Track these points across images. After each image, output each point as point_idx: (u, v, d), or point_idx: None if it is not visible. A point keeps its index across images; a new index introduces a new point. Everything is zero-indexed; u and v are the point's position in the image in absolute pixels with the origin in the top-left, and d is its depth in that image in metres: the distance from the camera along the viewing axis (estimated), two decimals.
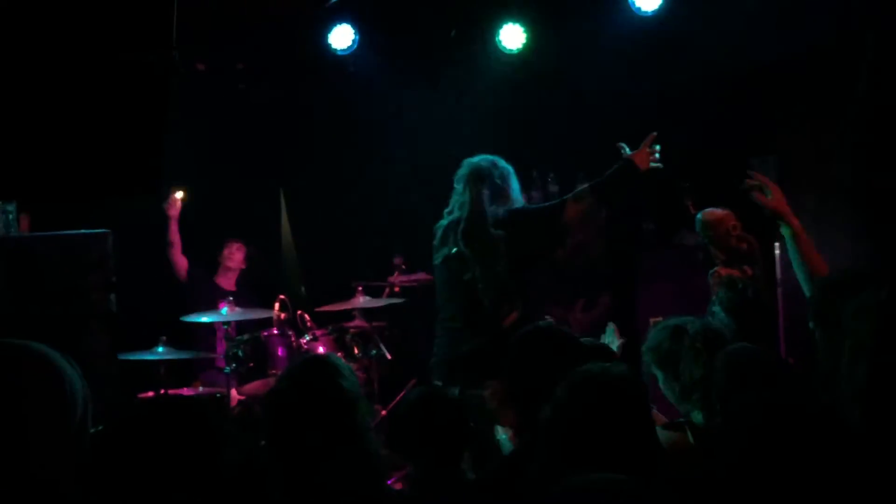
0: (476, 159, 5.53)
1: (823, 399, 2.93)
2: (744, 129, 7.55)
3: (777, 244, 7.19)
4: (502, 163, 5.54)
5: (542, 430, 2.72)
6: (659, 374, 3.68)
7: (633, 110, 7.99)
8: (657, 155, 5.39)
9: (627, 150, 5.43)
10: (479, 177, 5.44)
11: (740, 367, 3.06)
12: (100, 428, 2.32)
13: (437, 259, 5.54)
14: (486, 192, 5.42)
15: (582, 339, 3.63)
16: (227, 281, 7.72)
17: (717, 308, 5.47)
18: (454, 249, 5.42)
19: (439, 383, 5.23)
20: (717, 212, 5.88)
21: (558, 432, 2.66)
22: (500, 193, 5.44)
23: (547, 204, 5.66)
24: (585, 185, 5.44)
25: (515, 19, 7.57)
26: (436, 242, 5.57)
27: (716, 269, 5.72)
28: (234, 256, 7.73)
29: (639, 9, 7.11)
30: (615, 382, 2.69)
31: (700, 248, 5.91)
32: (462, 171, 5.53)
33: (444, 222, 5.55)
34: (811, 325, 3.43)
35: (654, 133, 5.41)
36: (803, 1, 6.40)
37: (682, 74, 7.56)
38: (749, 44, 6.92)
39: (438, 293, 5.60)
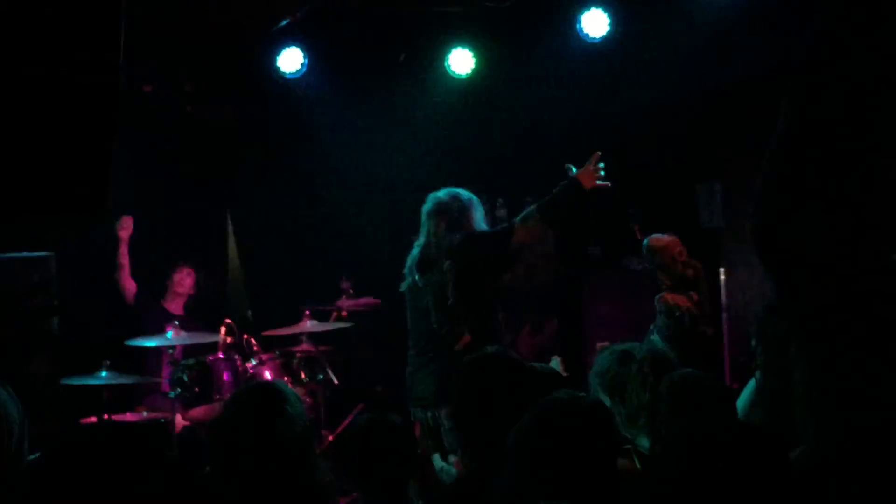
0: (440, 193, 5.70)
1: (765, 419, 2.95)
2: (689, 155, 7.64)
3: (722, 270, 7.28)
4: (465, 195, 5.69)
5: (508, 456, 2.70)
6: (605, 399, 3.69)
7: (580, 135, 8.04)
8: (602, 173, 5.49)
9: (574, 170, 5.49)
10: (438, 210, 5.62)
11: (683, 393, 3.07)
12: (37, 455, 2.28)
13: (403, 287, 5.77)
14: (443, 225, 5.59)
15: (533, 365, 3.63)
16: (174, 305, 7.63)
17: (654, 337, 5.52)
18: (412, 279, 5.66)
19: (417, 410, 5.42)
20: (664, 238, 5.94)
21: (525, 459, 2.65)
22: (460, 225, 5.59)
23: (497, 228, 5.76)
24: (532, 207, 5.55)
25: (464, 44, 7.61)
26: (405, 272, 5.77)
27: (662, 294, 5.77)
28: (184, 282, 7.64)
29: (587, 35, 7.18)
30: (585, 411, 2.69)
31: (646, 273, 5.96)
32: (425, 205, 5.72)
33: (412, 252, 5.76)
34: (753, 342, 3.47)
35: (599, 152, 5.52)
36: (746, 29, 6.48)
37: (628, 100, 7.65)
38: (694, 70, 7.01)
39: (407, 320, 5.83)
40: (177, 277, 7.61)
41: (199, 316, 7.58)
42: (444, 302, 5.50)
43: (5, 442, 2.02)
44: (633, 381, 3.46)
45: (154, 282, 7.62)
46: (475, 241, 5.57)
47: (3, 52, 2.76)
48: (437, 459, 3.97)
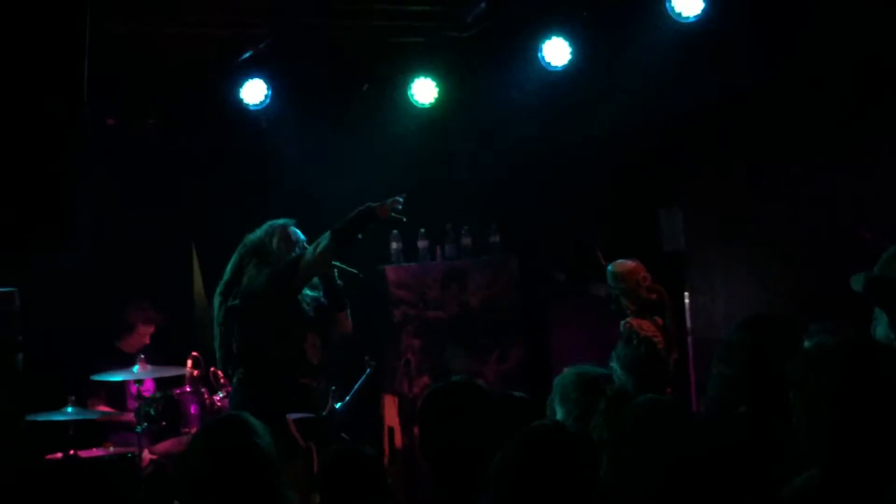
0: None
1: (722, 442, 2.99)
2: (650, 180, 7.72)
3: (686, 294, 7.34)
4: (267, 227, 5.93)
5: (488, 484, 2.70)
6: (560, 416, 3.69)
7: (543, 163, 8.13)
8: (399, 207, 5.71)
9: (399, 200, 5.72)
10: (240, 247, 5.90)
11: (646, 420, 3.08)
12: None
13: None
14: (239, 261, 5.84)
15: (503, 392, 3.65)
16: (130, 343, 7.47)
17: (614, 364, 5.56)
18: None
19: None
20: (628, 263, 5.98)
21: (505, 488, 2.65)
22: (259, 259, 5.82)
23: (285, 261, 5.76)
24: (327, 234, 5.66)
25: (427, 74, 7.66)
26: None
27: (627, 319, 5.81)
28: (146, 318, 7.51)
29: (548, 64, 7.24)
30: (570, 442, 2.70)
31: (611, 298, 6.00)
32: None
33: None
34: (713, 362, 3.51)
35: (404, 195, 5.77)
36: (707, 56, 6.58)
37: (590, 127, 7.73)
38: (654, 97, 7.10)
39: None
40: (134, 315, 7.47)
41: (160, 349, 7.49)
42: (219, 339, 5.77)
43: None
44: (598, 418, 3.45)
45: (115, 316, 7.52)
46: (251, 280, 5.71)
47: None
48: None
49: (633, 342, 5.55)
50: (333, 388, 6.01)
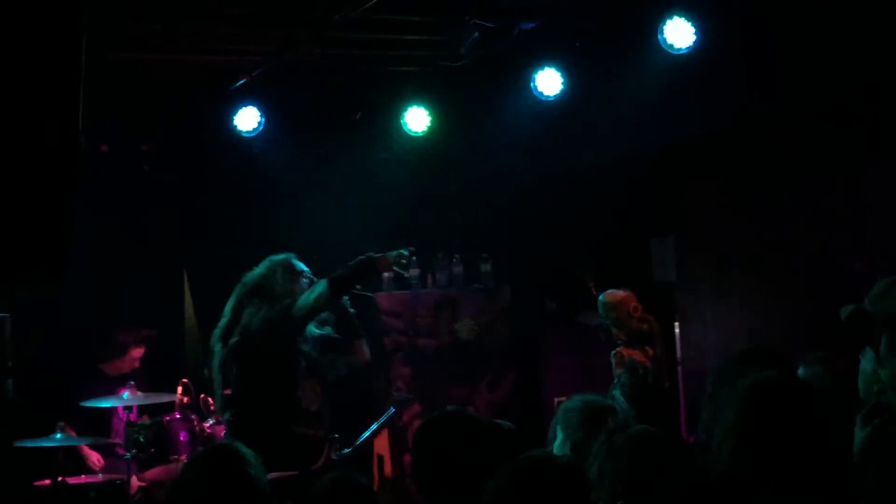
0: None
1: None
2: (641, 210, 7.74)
3: (677, 324, 7.35)
4: (267, 265, 5.80)
5: None
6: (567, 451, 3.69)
7: (535, 192, 8.16)
8: (404, 261, 5.69)
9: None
10: (239, 286, 5.80)
11: (642, 450, 3.09)
12: None
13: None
14: (237, 302, 5.72)
15: (492, 420, 3.65)
16: (115, 369, 7.45)
17: (616, 392, 5.55)
18: None
19: None
20: (619, 293, 6.00)
21: None
22: (261, 296, 5.69)
23: (278, 307, 5.62)
24: (324, 281, 5.56)
25: (420, 102, 7.69)
26: None
27: (618, 349, 5.82)
28: (135, 350, 7.49)
29: (541, 93, 7.27)
30: (560, 472, 2.70)
31: (602, 328, 6.01)
32: None
33: None
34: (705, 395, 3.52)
35: (412, 249, 5.79)
36: (699, 87, 6.62)
37: (582, 157, 7.76)
38: (646, 127, 7.13)
39: None
40: (125, 336, 7.45)
41: (149, 375, 7.46)
42: (214, 379, 5.67)
43: None
44: (600, 448, 3.44)
45: (107, 343, 7.50)
46: (249, 322, 5.59)
47: None
48: None
49: (640, 372, 5.55)
50: (335, 435, 5.78)
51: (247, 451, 3.16)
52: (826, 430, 2.46)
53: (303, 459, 5.44)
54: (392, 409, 6.21)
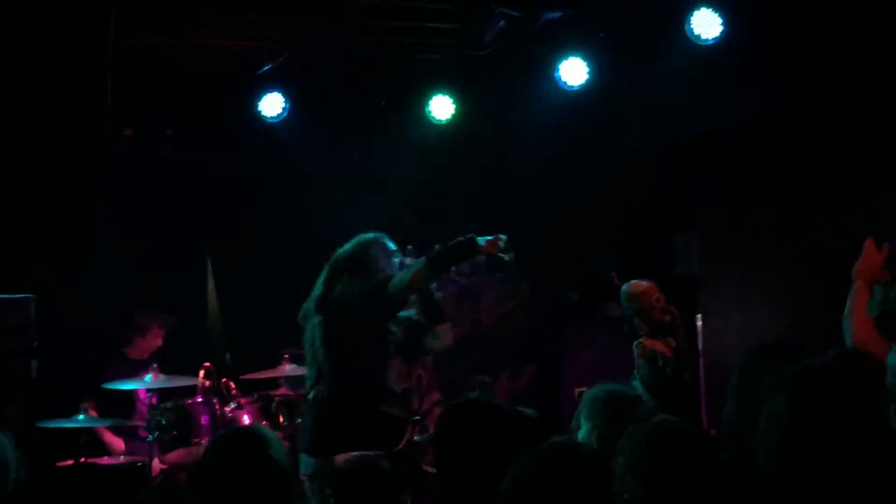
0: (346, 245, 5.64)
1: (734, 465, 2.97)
2: (665, 202, 7.72)
3: (699, 316, 7.34)
4: (364, 240, 5.59)
5: (502, 500, 2.71)
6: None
7: (559, 182, 8.14)
8: (503, 246, 5.48)
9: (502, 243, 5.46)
10: (331, 262, 5.60)
11: (663, 441, 3.08)
12: None
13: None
14: (333, 275, 5.53)
15: (514, 409, 3.65)
16: (138, 352, 7.50)
17: (636, 383, 5.55)
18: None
19: None
20: (642, 284, 5.99)
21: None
22: (356, 273, 5.48)
23: (375, 281, 5.42)
24: (423, 259, 5.38)
25: (445, 90, 7.68)
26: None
27: (640, 340, 5.81)
28: (157, 330, 7.53)
29: (565, 83, 7.25)
30: (584, 461, 2.70)
31: (624, 319, 6.00)
32: None
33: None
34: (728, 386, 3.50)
35: (505, 236, 5.53)
36: (725, 79, 6.59)
37: (606, 147, 7.73)
38: (671, 118, 7.10)
39: None
40: (145, 317, 7.49)
41: (169, 358, 7.50)
42: (314, 357, 5.44)
43: (4, 483, 2.04)
44: (626, 441, 3.44)
45: (124, 326, 7.53)
46: (342, 297, 5.42)
47: None
48: None
49: (659, 363, 5.54)
50: (417, 417, 5.71)
51: (269, 434, 3.18)
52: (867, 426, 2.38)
53: (387, 440, 5.33)
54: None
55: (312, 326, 5.47)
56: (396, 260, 5.54)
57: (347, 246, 5.60)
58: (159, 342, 7.48)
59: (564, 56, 7.20)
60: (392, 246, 5.59)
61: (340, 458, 4.86)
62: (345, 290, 5.42)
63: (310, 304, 5.53)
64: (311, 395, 5.45)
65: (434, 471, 3.39)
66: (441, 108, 7.71)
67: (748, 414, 3.19)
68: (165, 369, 7.00)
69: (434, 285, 5.57)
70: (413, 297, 5.59)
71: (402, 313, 5.60)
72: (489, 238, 5.41)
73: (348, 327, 5.36)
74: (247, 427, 3.61)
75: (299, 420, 6.93)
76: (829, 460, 2.29)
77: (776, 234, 6.76)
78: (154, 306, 7.59)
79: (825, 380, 2.42)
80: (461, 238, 5.39)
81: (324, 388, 5.38)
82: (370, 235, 5.60)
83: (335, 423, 5.26)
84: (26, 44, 2.80)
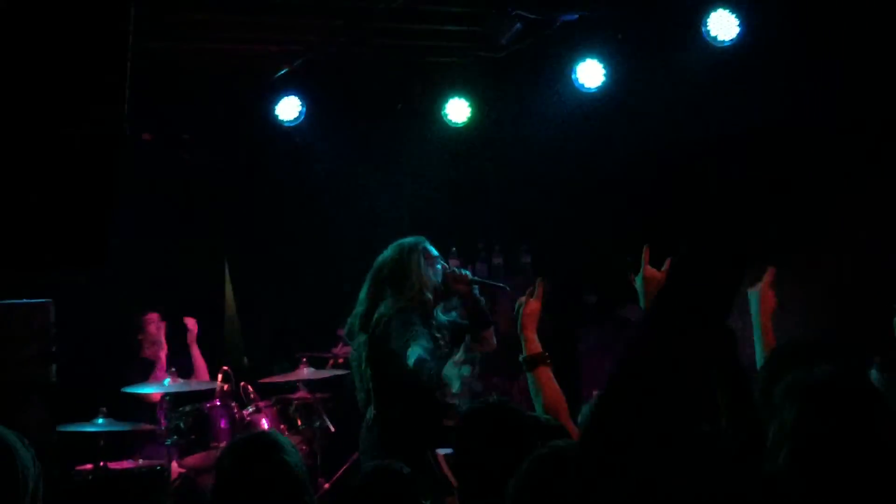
0: (387, 250, 5.39)
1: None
2: (683, 204, 7.69)
3: None
4: (407, 246, 5.32)
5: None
6: None
7: (575, 183, 8.13)
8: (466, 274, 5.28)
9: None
10: (373, 271, 5.35)
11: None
12: None
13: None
14: (373, 289, 5.29)
15: (532, 414, 3.63)
16: (154, 353, 7.53)
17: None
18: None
19: None
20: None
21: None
22: (399, 283, 5.23)
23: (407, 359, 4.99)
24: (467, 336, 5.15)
25: (461, 94, 7.68)
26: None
27: None
28: (159, 328, 7.54)
29: (582, 85, 7.25)
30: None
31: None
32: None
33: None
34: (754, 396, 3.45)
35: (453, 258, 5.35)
36: (742, 81, 6.56)
37: (623, 149, 7.72)
38: (688, 120, 7.08)
39: None
40: (150, 329, 7.50)
41: (190, 365, 7.52)
42: (361, 378, 5.21)
43: (20, 491, 2.04)
44: None
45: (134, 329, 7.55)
46: (387, 315, 5.12)
47: (10, 104, 2.80)
48: None
49: None
50: None
51: (284, 440, 3.18)
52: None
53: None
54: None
55: (358, 345, 5.24)
56: (439, 266, 5.29)
57: (387, 253, 5.34)
58: (162, 337, 7.44)
59: (581, 58, 7.20)
60: (434, 251, 5.33)
61: None
62: (388, 308, 5.13)
63: (354, 320, 5.30)
64: (368, 416, 5.21)
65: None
66: (457, 110, 7.71)
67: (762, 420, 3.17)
68: (183, 373, 7.02)
69: (476, 289, 5.33)
70: (455, 301, 5.37)
71: (444, 317, 5.37)
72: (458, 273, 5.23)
73: (394, 358, 5.04)
74: (262, 432, 3.61)
75: (317, 423, 6.96)
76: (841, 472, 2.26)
77: (802, 235, 6.71)
78: (166, 309, 7.57)
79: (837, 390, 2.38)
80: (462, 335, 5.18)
81: (377, 409, 5.16)
82: (411, 240, 5.35)
83: (402, 435, 5.06)
84: (43, 47, 2.81)
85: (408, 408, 5.11)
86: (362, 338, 5.22)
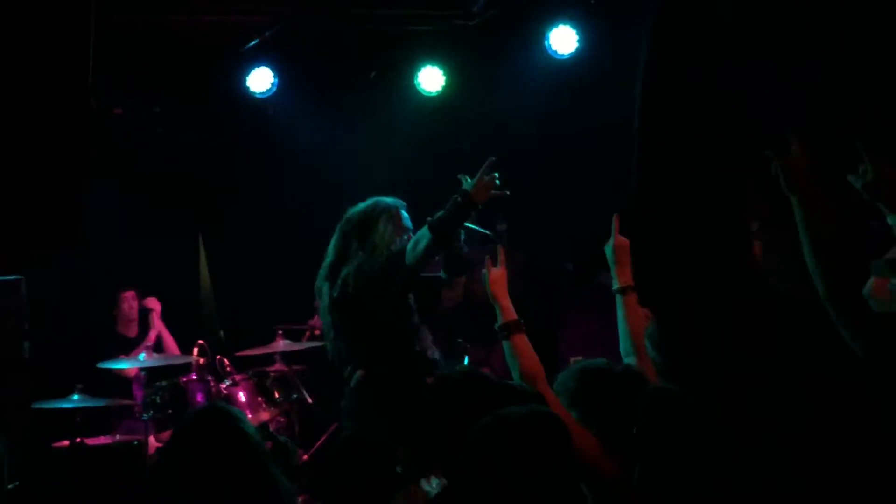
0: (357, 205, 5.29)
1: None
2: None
3: None
4: (381, 205, 5.22)
5: (457, 474, 2.72)
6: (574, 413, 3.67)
7: (551, 152, 8.11)
8: (497, 182, 5.08)
9: (468, 180, 5.06)
10: (340, 226, 5.25)
11: (661, 409, 3.07)
12: (16, 483, 2.27)
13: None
14: (340, 243, 5.19)
15: (506, 382, 3.63)
16: (130, 330, 7.52)
17: (647, 343, 5.51)
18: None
19: None
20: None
21: (473, 476, 2.66)
22: (364, 241, 5.13)
23: (389, 254, 5.03)
24: (424, 228, 4.93)
25: (434, 62, 7.64)
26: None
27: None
28: (132, 306, 7.53)
29: (555, 52, 7.22)
30: (526, 423, 2.70)
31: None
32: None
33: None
34: None
35: (493, 158, 5.12)
36: None
37: (597, 116, 7.69)
38: None
39: None
40: (125, 307, 7.49)
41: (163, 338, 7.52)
42: (332, 328, 5.11)
43: None
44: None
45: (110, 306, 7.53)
46: (357, 271, 5.01)
47: None
48: (423, 483, 3.94)
49: None
50: None
51: (235, 410, 3.17)
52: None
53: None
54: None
55: (327, 293, 5.12)
56: (405, 237, 5.13)
57: (361, 205, 5.25)
58: (135, 311, 7.43)
59: (554, 24, 7.17)
60: (407, 221, 5.22)
61: None
62: (362, 258, 5.04)
63: (322, 270, 5.20)
64: (355, 377, 5.08)
65: None
66: (431, 79, 7.67)
67: None
68: (159, 348, 7.00)
69: (462, 237, 5.20)
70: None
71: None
72: (477, 181, 5.04)
73: (373, 297, 4.97)
74: (214, 404, 3.58)
75: (294, 396, 6.94)
76: None
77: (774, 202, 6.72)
78: (142, 285, 7.56)
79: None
80: (456, 197, 4.99)
81: (363, 372, 5.06)
82: (388, 200, 5.24)
83: (392, 397, 4.91)
84: (2, 19, 2.76)
85: (395, 365, 5.02)
86: (325, 287, 5.13)
